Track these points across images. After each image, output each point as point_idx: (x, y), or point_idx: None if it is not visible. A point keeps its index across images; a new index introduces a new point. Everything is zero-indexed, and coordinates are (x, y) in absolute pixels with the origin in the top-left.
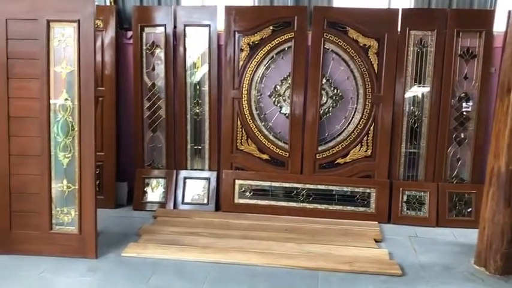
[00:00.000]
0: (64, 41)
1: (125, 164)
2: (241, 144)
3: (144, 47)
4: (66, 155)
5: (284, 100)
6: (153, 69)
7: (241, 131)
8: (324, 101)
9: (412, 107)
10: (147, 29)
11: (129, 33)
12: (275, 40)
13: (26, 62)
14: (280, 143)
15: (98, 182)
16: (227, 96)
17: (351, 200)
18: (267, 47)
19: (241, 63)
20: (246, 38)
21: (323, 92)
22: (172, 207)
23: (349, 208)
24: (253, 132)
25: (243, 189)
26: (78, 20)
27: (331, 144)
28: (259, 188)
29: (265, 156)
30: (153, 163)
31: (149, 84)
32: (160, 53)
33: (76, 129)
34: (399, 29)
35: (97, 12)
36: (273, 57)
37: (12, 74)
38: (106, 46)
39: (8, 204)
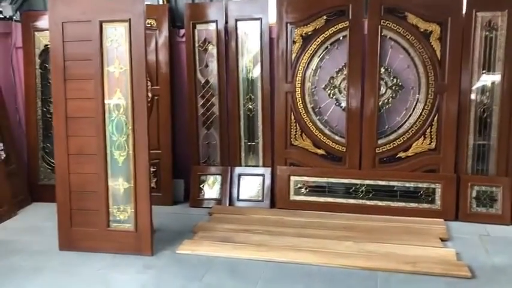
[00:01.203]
0: (116, 40)
1: (181, 161)
2: (296, 140)
3: (197, 44)
4: (121, 154)
5: (340, 92)
6: (206, 66)
7: (295, 125)
8: (383, 92)
9: (480, 96)
10: (199, 26)
11: (182, 31)
12: (329, 30)
13: (81, 64)
14: (336, 137)
15: (155, 180)
16: (280, 90)
17: (414, 196)
18: (320, 37)
19: (294, 55)
20: (298, 29)
21: (381, 82)
22: (227, 204)
23: (412, 205)
24: (307, 126)
25: (299, 185)
26: (129, 19)
27: (391, 137)
28: (315, 184)
29: (320, 152)
30: (208, 160)
31: (202, 82)
32: (212, 49)
33: (130, 127)
34: (464, 11)
35: (150, 12)
36: (327, 47)
37: (68, 76)
38: (160, 45)
39: (69, 202)
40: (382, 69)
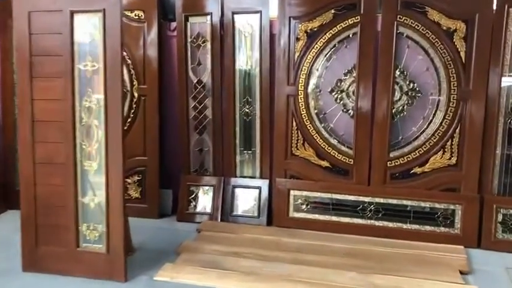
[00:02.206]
0: (89, 33)
1: (169, 169)
2: (297, 149)
3: (189, 40)
4: (93, 164)
5: (348, 97)
6: (199, 64)
7: (297, 133)
8: (397, 98)
9: (511, 104)
10: (191, 19)
11: (173, 25)
12: (337, 26)
13: (50, 60)
14: (343, 148)
15: (140, 189)
16: (281, 93)
17: (430, 218)
18: (327, 34)
19: (297, 54)
20: (303, 24)
21: (396, 87)
22: (219, 219)
23: (427, 228)
24: (310, 134)
25: (299, 201)
26: (103, 9)
27: (406, 149)
28: (318, 200)
29: (325, 163)
30: (200, 169)
31: (195, 81)
32: (206, 45)
33: (102, 134)
34: (495, 7)
35: (138, 2)
36: (334, 46)
37: (35, 73)
38: (148, 40)
39: (34, 217)
40: (397, 72)
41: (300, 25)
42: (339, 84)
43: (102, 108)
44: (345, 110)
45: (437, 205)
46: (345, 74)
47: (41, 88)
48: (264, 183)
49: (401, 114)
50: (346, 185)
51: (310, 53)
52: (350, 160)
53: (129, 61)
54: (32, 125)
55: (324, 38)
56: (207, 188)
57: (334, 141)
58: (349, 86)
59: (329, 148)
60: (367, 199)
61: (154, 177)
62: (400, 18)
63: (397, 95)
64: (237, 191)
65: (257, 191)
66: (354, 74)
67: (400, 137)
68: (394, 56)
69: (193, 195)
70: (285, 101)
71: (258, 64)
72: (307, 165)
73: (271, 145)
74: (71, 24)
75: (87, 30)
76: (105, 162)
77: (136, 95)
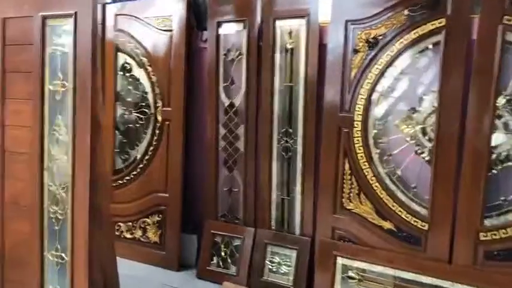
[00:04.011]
0: (61, 44)
1: (195, 211)
2: (350, 201)
3: (222, 52)
4: (59, 210)
5: (424, 133)
6: (232, 82)
7: (351, 179)
8: (500, 141)
9: None
10: (225, 26)
11: (206, 34)
12: (412, 33)
13: (21, 77)
14: (413, 206)
15: (159, 232)
16: (330, 123)
17: None
18: (397, 44)
19: (354, 71)
20: (363, 32)
21: (497, 122)
22: (245, 283)
23: None
24: (369, 183)
25: (349, 273)
26: (75, 13)
27: (509, 217)
28: (375, 275)
29: (387, 225)
30: (229, 214)
31: (226, 104)
32: (241, 59)
33: (70, 175)
34: None
35: (165, 7)
36: (407, 61)
37: (8, 93)
38: (174, 52)
39: (0, 270)
40: (502, 100)
41: (359, 32)
42: (412, 114)
43: (70, 140)
44: (419, 151)
45: None
46: (420, 100)
47: (13, 112)
48: (304, 243)
49: (505, 164)
50: (416, 259)
51: (373, 70)
52: (423, 224)
53: (153, 78)
54: (2, 157)
55: (392, 49)
56: (234, 239)
57: (401, 195)
58: (427, 117)
59: (394, 204)
60: (446, 284)
61: (175, 219)
62: (508, 20)
63: (500, 135)
64: (270, 249)
65: (295, 252)
66: (435, 101)
67: (502, 198)
68: (496, 76)
69: (217, 247)
70: (336, 134)
71: (302, 85)
72: (363, 224)
73: (315, 193)
74: (41, 32)
75: (60, 40)
76: (71, 210)
77: (160, 118)
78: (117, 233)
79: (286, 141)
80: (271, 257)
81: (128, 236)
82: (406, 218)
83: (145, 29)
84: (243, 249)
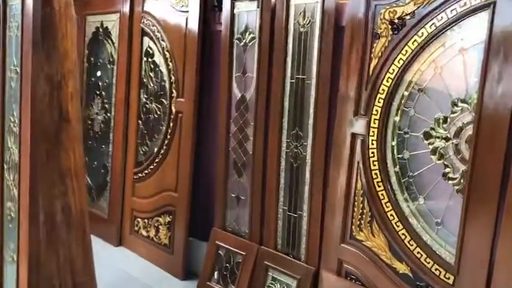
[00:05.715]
0: (16, 27)
1: (206, 215)
2: (360, 230)
3: (235, 36)
4: (12, 207)
5: (457, 152)
6: (244, 72)
7: (363, 201)
8: None
9: None
10: (238, 4)
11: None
12: (447, 10)
13: None
14: (437, 248)
15: (169, 234)
16: (342, 128)
17: None
18: (428, 26)
19: (374, 62)
20: (387, 10)
21: None
22: None
23: None
24: (383, 209)
25: None
26: None
27: None
28: None
29: (402, 268)
30: (234, 225)
31: (238, 97)
32: (254, 44)
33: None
34: None
35: None
36: (440, 49)
37: None
38: (189, 36)
39: None
40: None
41: (381, 12)
42: (441, 124)
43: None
44: (448, 174)
45: None
46: (454, 105)
47: None
48: (307, 274)
49: None
50: None
51: (396, 61)
52: (448, 276)
53: (170, 65)
54: None
55: (420, 33)
56: (236, 255)
57: (421, 232)
58: (461, 130)
59: (412, 242)
60: None
61: (182, 222)
62: None
63: None
64: (271, 273)
65: (296, 282)
66: (471, 109)
67: None
68: None
69: (220, 260)
70: (348, 143)
71: (314, 78)
72: (374, 262)
73: (323, 215)
74: (3, 11)
75: (15, 22)
76: (17, 207)
77: (174, 110)
78: (135, 228)
79: (296, 146)
80: (271, 283)
81: (144, 233)
82: (425, 264)
83: (166, 9)
84: (244, 269)
